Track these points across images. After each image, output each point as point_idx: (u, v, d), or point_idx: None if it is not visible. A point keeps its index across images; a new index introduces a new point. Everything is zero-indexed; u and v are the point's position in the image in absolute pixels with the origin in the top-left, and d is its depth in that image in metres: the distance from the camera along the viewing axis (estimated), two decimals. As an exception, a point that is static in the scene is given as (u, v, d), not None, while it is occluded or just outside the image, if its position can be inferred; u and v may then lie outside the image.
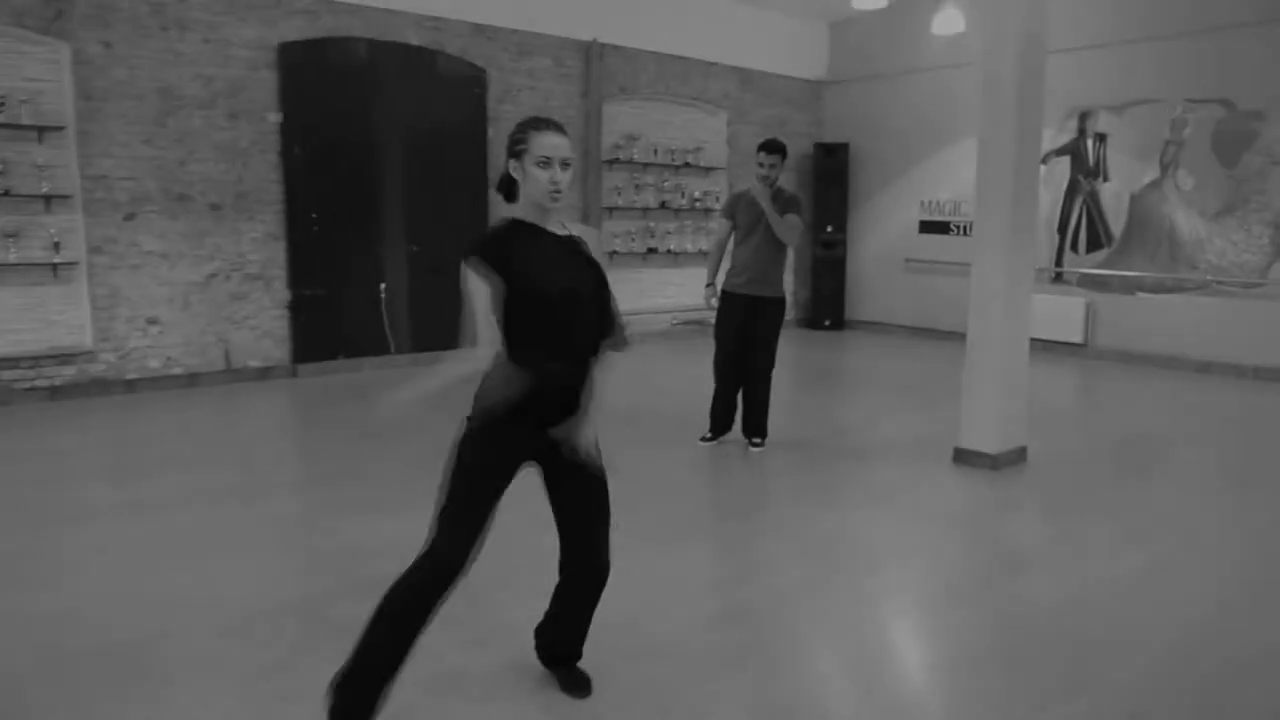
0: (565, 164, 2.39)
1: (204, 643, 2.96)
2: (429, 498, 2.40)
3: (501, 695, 2.66)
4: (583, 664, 2.72)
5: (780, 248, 5.34)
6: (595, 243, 2.54)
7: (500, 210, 2.54)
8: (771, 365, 5.47)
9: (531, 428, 2.41)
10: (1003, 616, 3.27)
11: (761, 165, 5.23)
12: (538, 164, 2.36)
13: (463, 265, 2.31)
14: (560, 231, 2.46)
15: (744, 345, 5.40)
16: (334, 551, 3.80)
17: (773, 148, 5.23)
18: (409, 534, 2.32)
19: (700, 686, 2.73)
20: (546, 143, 2.36)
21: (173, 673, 2.76)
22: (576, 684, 2.68)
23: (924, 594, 3.56)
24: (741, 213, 5.39)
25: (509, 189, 2.47)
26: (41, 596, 3.32)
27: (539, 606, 2.71)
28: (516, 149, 2.40)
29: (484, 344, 2.27)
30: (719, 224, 5.66)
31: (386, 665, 2.32)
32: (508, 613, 3.14)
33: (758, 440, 5.51)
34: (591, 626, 2.69)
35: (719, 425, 5.58)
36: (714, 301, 5.49)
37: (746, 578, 3.68)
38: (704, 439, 5.59)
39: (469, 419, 2.41)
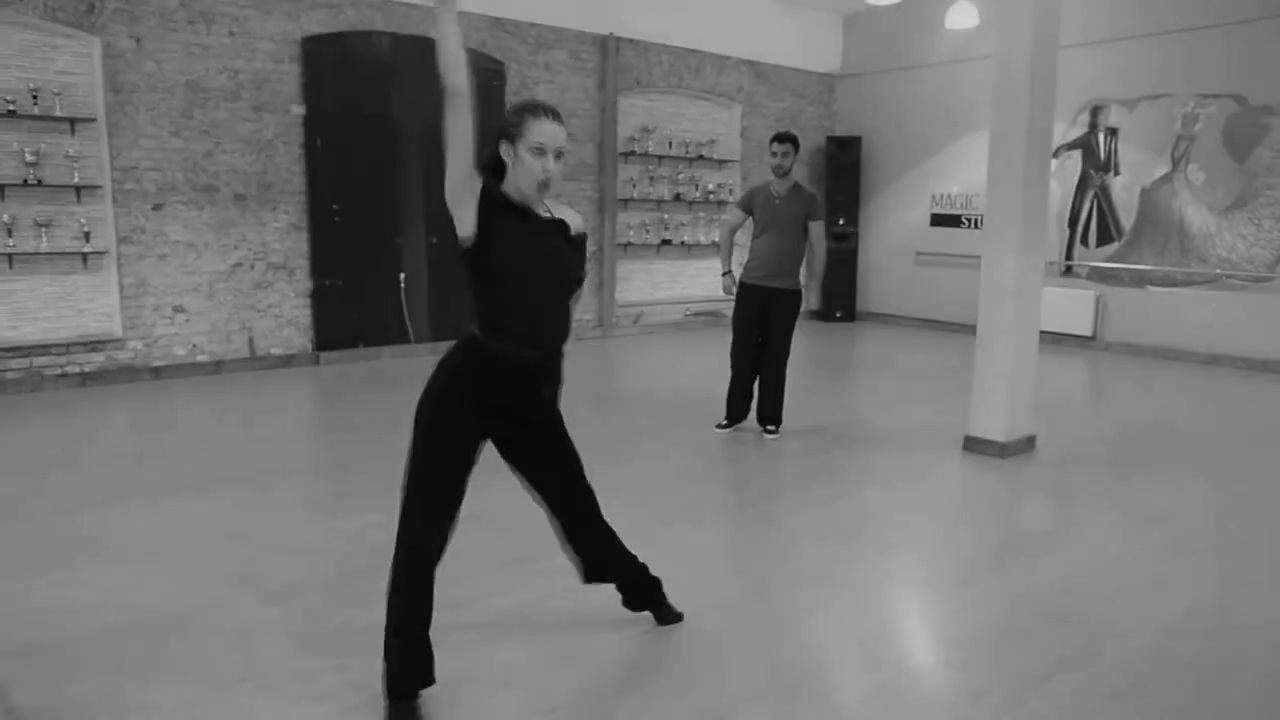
0: (559, 154, 2.35)
1: (248, 614, 3.11)
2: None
3: (520, 680, 2.80)
4: (603, 641, 2.86)
5: (798, 242, 5.50)
6: (578, 225, 2.56)
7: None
8: (786, 356, 5.62)
9: (490, 411, 2.44)
10: (1011, 594, 3.40)
11: (775, 155, 5.40)
12: (531, 151, 2.31)
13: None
14: (545, 214, 2.46)
15: (760, 335, 5.56)
16: (360, 531, 3.94)
17: (784, 138, 5.42)
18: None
19: (721, 659, 2.86)
20: (543, 129, 2.31)
21: (215, 645, 2.91)
22: (667, 619, 3.01)
23: (936, 572, 3.68)
24: (759, 208, 5.51)
25: (496, 170, 2.41)
26: (86, 572, 3.48)
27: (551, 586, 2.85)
28: (510, 131, 2.34)
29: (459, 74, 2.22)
30: (732, 213, 5.81)
31: (414, 640, 2.45)
32: (525, 591, 3.29)
33: (772, 428, 5.64)
34: (612, 605, 2.82)
35: (735, 413, 5.71)
36: (733, 289, 5.62)
37: (764, 557, 3.81)
38: (720, 426, 5.72)
39: (427, 398, 2.42)
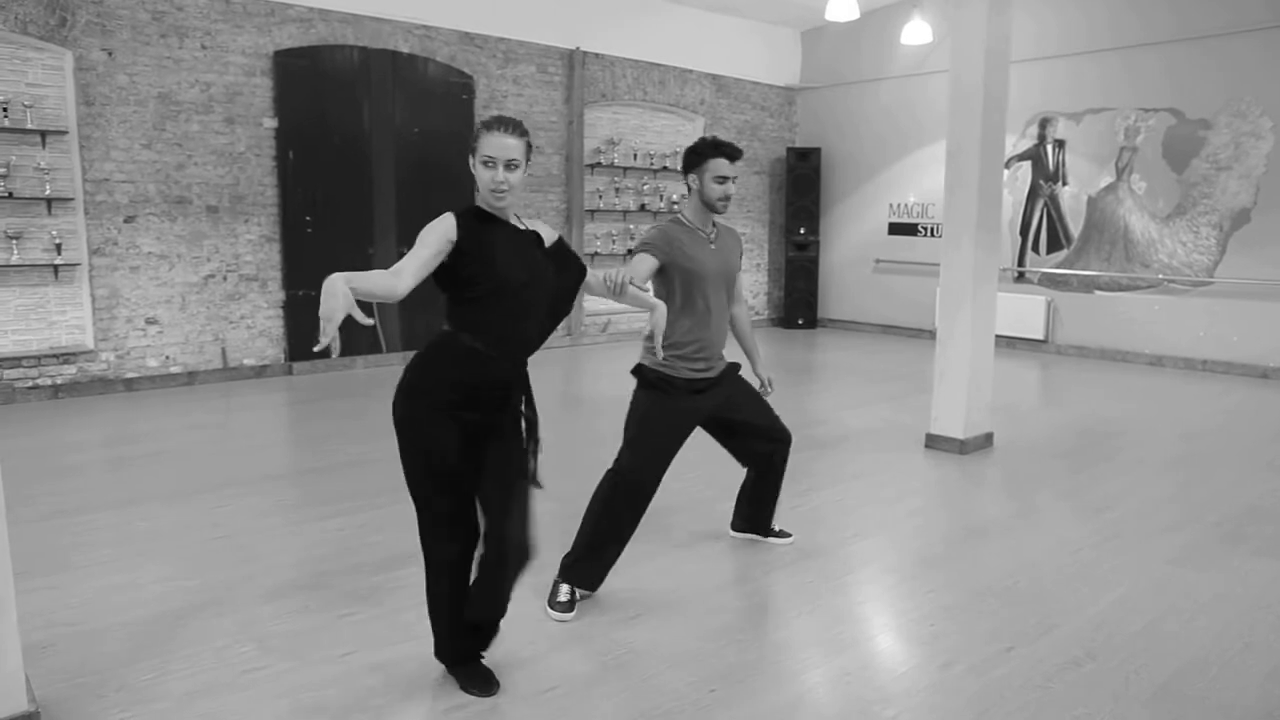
0: (511, 165, 2.45)
1: (253, 609, 3.22)
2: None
3: (517, 665, 2.95)
4: (587, 628, 3.02)
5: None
6: (550, 235, 2.68)
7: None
8: (620, 472, 3.30)
9: (463, 418, 2.47)
10: (973, 576, 3.63)
11: (721, 181, 3.25)
12: (482, 163, 2.46)
13: (441, 218, 2.43)
14: (520, 226, 2.58)
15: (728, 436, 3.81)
16: (351, 531, 4.06)
17: (737, 152, 3.30)
18: (405, 519, 2.61)
19: (707, 640, 3.05)
20: (492, 143, 2.45)
21: (224, 637, 3.03)
22: (483, 681, 2.66)
23: (902, 559, 3.90)
24: (685, 258, 3.31)
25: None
26: (83, 575, 3.56)
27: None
28: (471, 146, 2.51)
29: (405, 275, 2.32)
30: (643, 261, 3.28)
31: (458, 626, 2.63)
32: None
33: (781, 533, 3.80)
34: (599, 594, 2.99)
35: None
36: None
37: (739, 547, 3.99)
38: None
39: (404, 405, 2.49)
